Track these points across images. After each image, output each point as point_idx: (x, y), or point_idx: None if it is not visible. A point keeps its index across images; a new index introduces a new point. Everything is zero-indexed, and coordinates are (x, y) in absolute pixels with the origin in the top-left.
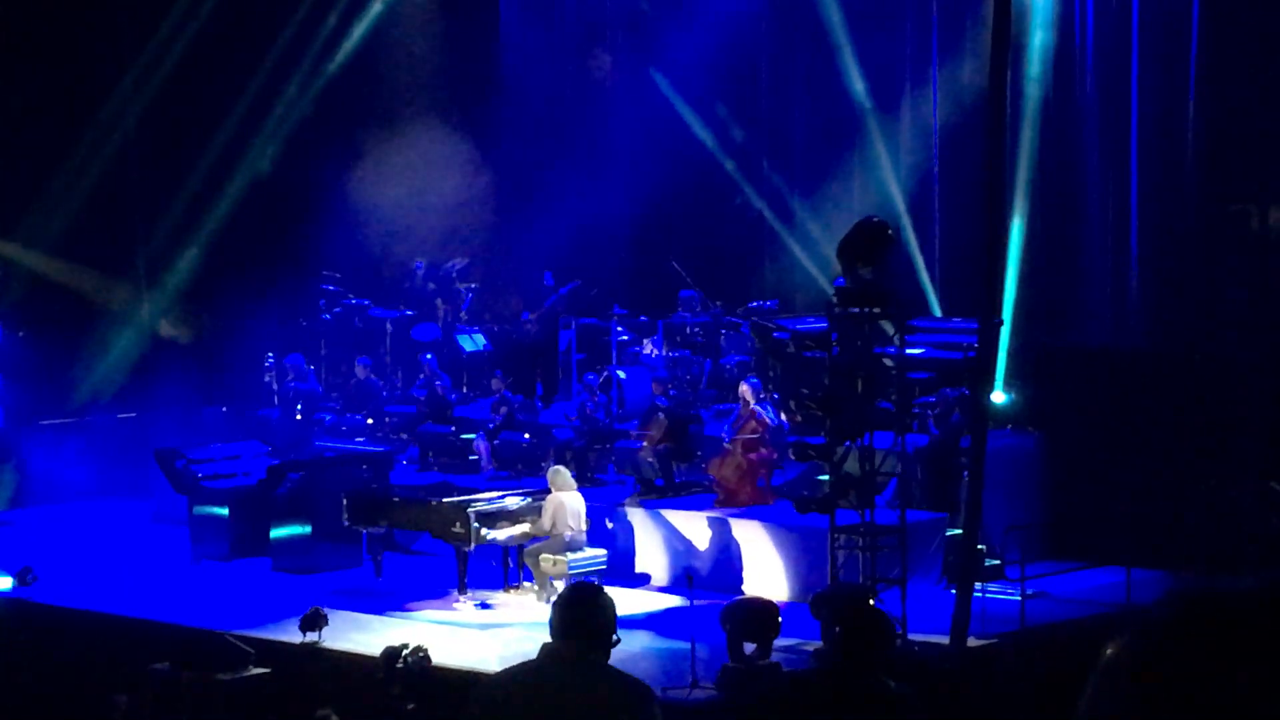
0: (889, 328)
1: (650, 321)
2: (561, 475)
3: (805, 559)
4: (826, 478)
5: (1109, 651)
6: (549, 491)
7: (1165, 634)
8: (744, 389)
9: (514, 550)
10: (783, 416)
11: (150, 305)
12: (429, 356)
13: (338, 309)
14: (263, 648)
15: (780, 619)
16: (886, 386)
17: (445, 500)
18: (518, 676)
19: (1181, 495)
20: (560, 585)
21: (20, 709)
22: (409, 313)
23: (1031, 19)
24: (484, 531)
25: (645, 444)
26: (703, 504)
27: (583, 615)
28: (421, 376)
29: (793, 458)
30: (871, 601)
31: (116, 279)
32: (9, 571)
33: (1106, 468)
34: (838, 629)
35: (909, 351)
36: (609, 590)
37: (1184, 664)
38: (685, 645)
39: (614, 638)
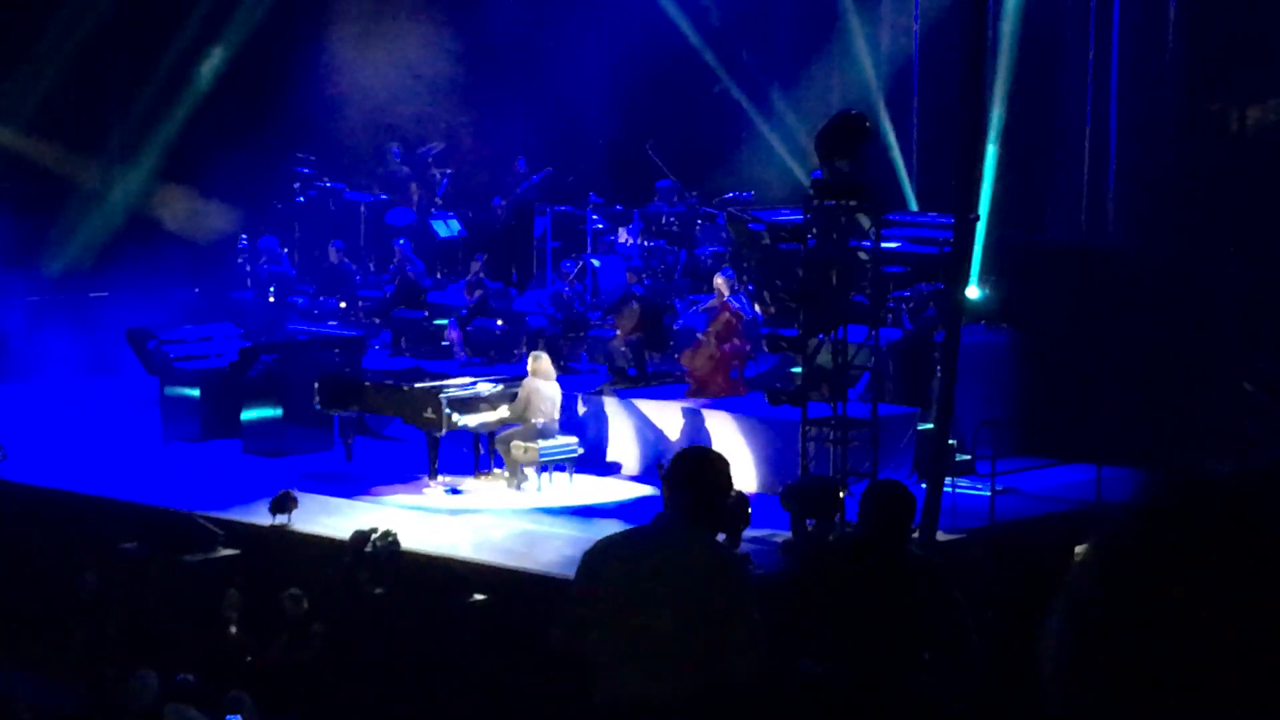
0: (865, 221)
1: (626, 210)
2: (542, 362)
3: (776, 451)
4: (799, 370)
5: (1088, 547)
6: (522, 378)
7: (1153, 522)
8: (718, 280)
9: (485, 437)
10: (756, 308)
11: (123, 184)
12: (402, 241)
13: (312, 192)
14: (232, 529)
15: (842, 496)
16: (861, 280)
17: (417, 385)
18: (623, 538)
19: (1154, 394)
20: (531, 472)
21: None
22: (383, 197)
23: None
24: (455, 417)
25: (619, 333)
26: (675, 394)
27: (694, 480)
28: (394, 261)
29: (766, 349)
30: (895, 489)
31: (89, 156)
32: None
33: (1079, 365)
34: (872, 504)
35: (884, 245)
36: (583, 478)
37: (1175, 553)
38: None
39: (732, 495)
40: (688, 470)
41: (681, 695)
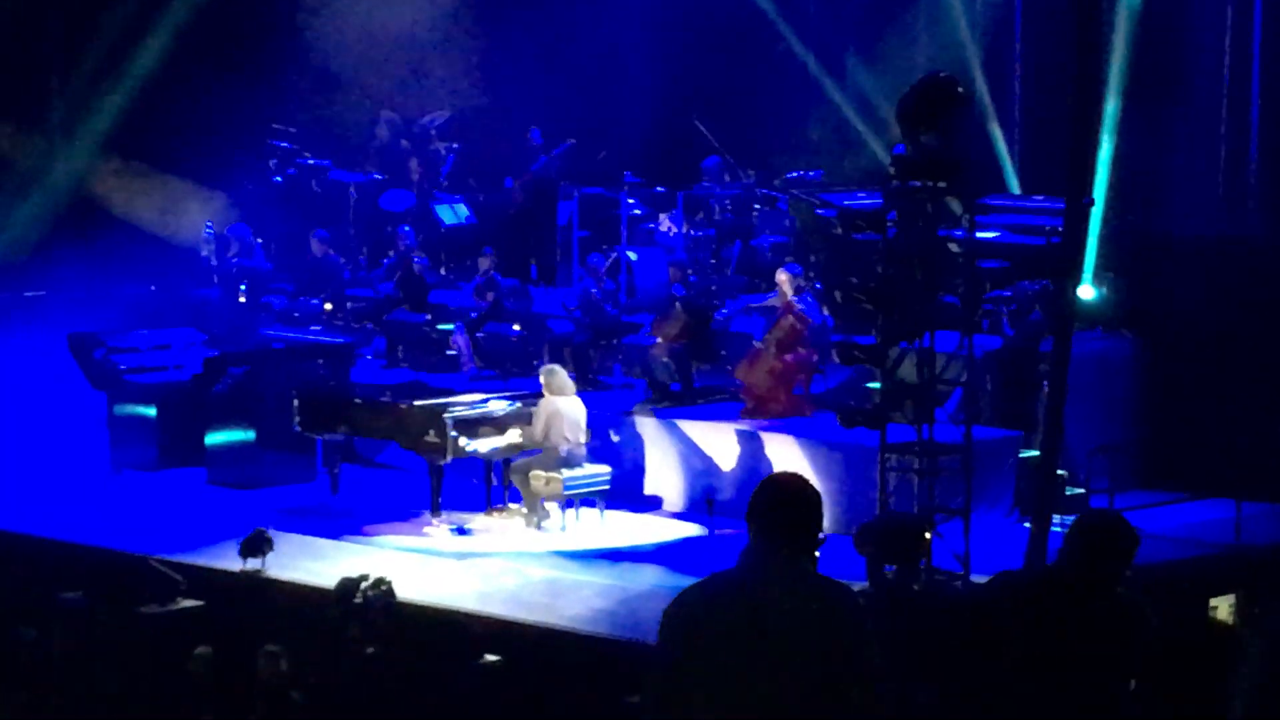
0: (956, 206)
1: (668, 193)
2: (557, 376)
3: (850, 482)
4: (877, 385)
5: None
6: (541, 395)
7: None
8: (780, 277)
9: (498, 465)
10: (825, 311)
11: (66, 162)
12: (406, 229)
13: (291, 170)
14: (195, 576)
15: (928, 537)
16: (952, 277)
17: (417, 404)
18: (716, 586)
19: None
20: (553, 508)
21: None
22: (377, 176)
23: None
24: (463, 442)
25: (659, 341)
26: (727, 414)
27: (791, 510)
28: (392, 253)
29: (837, 360)
30: (1113, 523)
31: (27, 132)
32: None
33: (1214, 380)
34: (1076, 534)
35: (980, 235)
36: (616, 515)
37: None
38: None
39: (822, 536)
40: (785, 497)
41: None
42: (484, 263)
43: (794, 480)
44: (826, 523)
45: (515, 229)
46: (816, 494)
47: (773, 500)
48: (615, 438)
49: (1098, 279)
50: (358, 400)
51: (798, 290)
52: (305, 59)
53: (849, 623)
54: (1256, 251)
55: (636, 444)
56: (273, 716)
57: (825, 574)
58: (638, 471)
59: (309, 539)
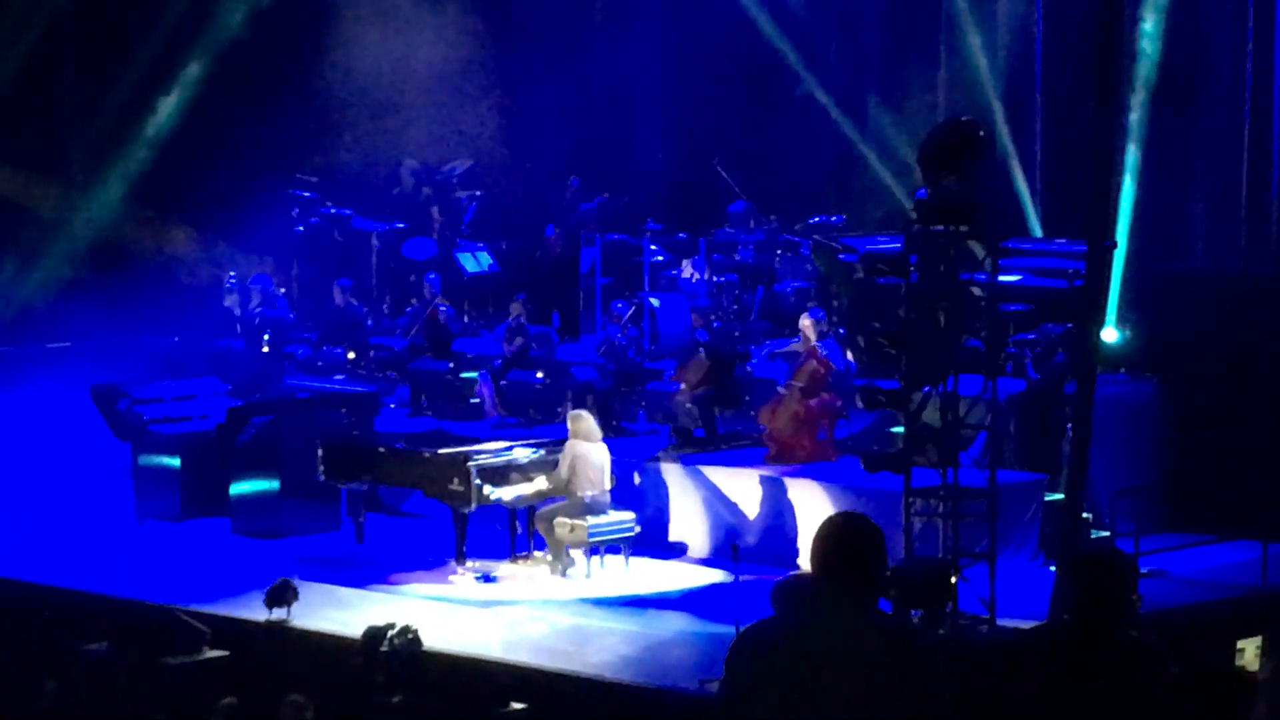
0: (978, 249)
1: (690, 239)
2: (584, 421)
3: None
4: (900, 430)
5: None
6: (566, 441)
7: None
8: (803, 322)
9: (523, 513)
10: (849, 355)
11: (85, 212)
12: (432, 276)
13: (314, 219)
14: (220, 626)
15: (954, 581)
16: (975, 320)
17: (441, 452)
18: (780, 626)
19: None
20: (578, 555)
21: None
22: (399, 225)
23: None
24: (487, 490)
25: (683, 387)
26: (751, 459)
27: (854, 550)
28: (416, 301)
29: (860, 405)
30: (1104, 555)
31: (46, 181)
32: None
33: (1239, 421)
34: (1076, 580)
35: (1002, 278)
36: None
37: None
38: (729, 630)
39: (887, 572)
40: (847, 537)
41: None
42: (515, 308)
43: (855, 519)
44: None
45: (542, 277)
46: (878, 532)
47: (834, 539)
48: (638, 482)
49: (1121, 321)
50: (382, 449)
51: (821, 335)
52: (325, 108)
53: (922, 667)
54: (1278, 291)
55: (661, 490)
56: None
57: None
58: (662, 518)
59: (334, 588)
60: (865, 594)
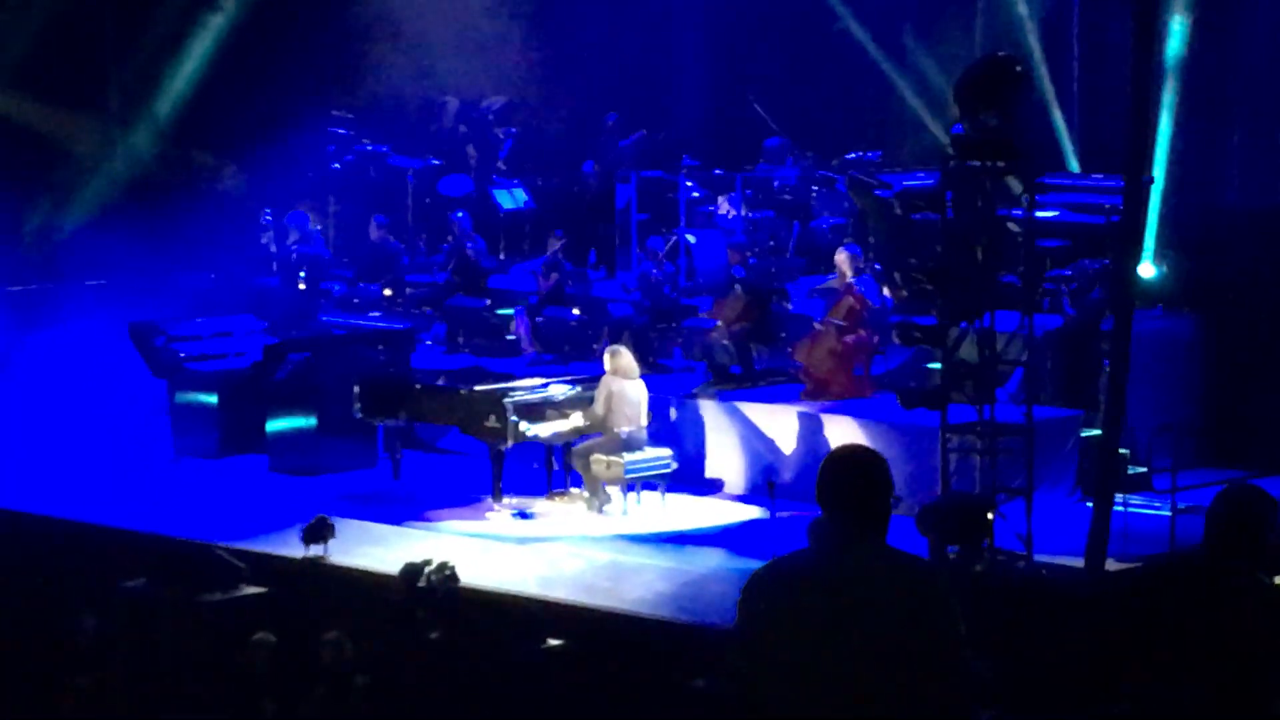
0: (1016, 185)
1: (726, 175)
2: (621, 357)
3: (911, 463)
4: (937, 366)
5: None
6: (603, 377)
7: None
8: (840, 258)
9: (559, 449)
10: (885, 291)
11: (124, 148)
12: (460, 214)
13: (349, 156)
14: (257, 563)
15: (991, 518)
16: (1012, 257)
17: (477, 388)
18: (791, 565)
19: None
20: (615, 492)
21: None
22: (435, 161)
23: None
24: (524, 426)
25: (719, 323)
26: (788, 396)
27: (858, 483)
28: (450, 239)
29: (897, 341)
30: (1244, 492)
31: (82, 115)
32: None
33: (1276, 356)
34: (1210, 515)
35: (1040, 214)
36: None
37: None
38: None
39: (895, 498)
40: (850, 471)
41: None
42: (553, 244)
43: (857, 452)
44: None
45: (578, 214)
46: (882, 462)
47: (838, 475)
48: (675, 417)
49: (1158, 257)
50: (418, 386)
51: (857, 271)
52: (359, 43)
53: (934, 596)
54: None
55: (697, 427)
56: (334, 701)
57: (900, 549)
58: (699, 455)
59: (371, 525)
60: (870, 527)
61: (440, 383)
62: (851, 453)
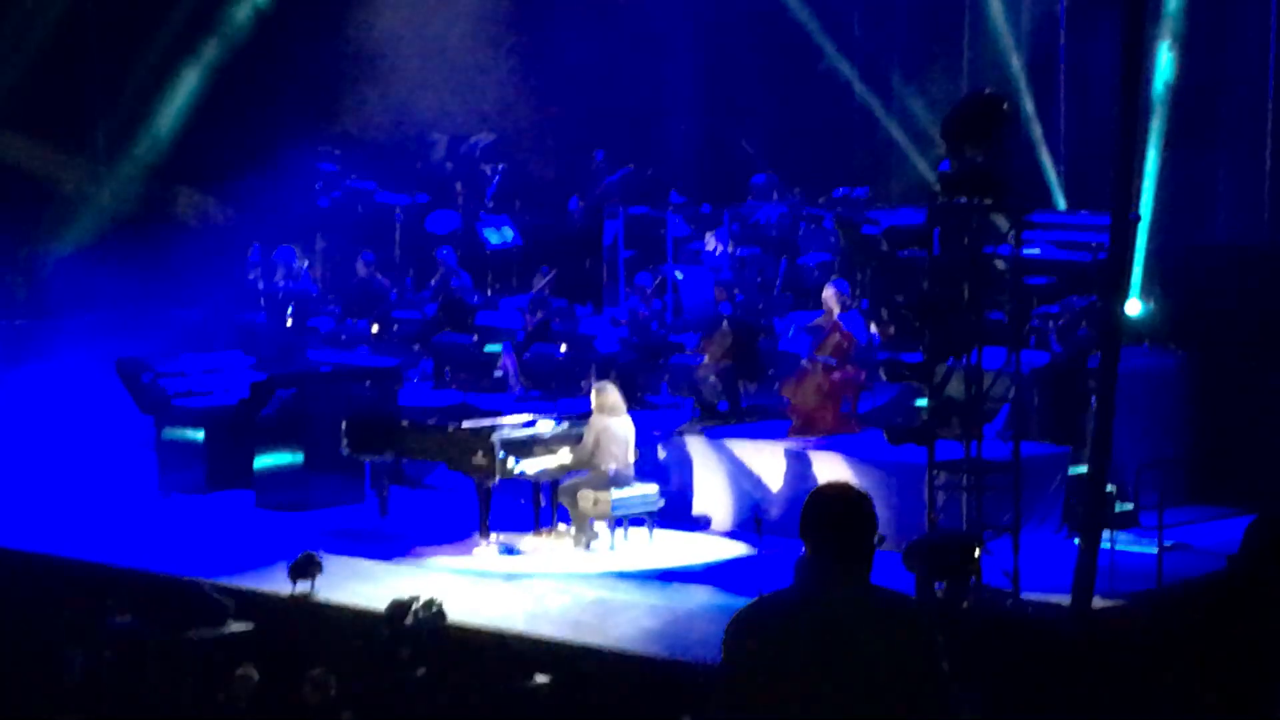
0: (1002, 222)
1: (714, 212)
2: (607, 394)
3: (898, 500)
4: (924, 403)
5: None
6: (590, 414)
7: None
8: (827, 294)
9: (547, 486)
10: (873, 328)
11: (110, 186)
12: (445, 251)
13: (337, 193)
14: (244, 599)
15: (978, 554)
16: (998, 293)
17: (465, 425)
18: (775, 603)
19: None
20: (602, 528)
21: None
22: (423, 198)
23: None
24: (511, 463)
25: (706, 360)
26: (775, 432)
27: (841, 520)
28: (437, 275)
29: (884, 378)
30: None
31: (71, 155)
32: None
33: (1264, 394)
34: (1255, 535)
35: (1026, 251)
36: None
37: None
38: None
39: (877, 538)
40: (834, 508)
41: None
42: (539, 280)
43: (841, 490)
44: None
45: (565, 251)
46: (865, 500)
47: (822, 512)
48: (662, 455)
49: (1144, 294)
50: (405, 422)
51: (844, 308)
52: (346, 80)
53: (918, 634)
54: None
55: (684, 464)
56: None
57: (883, 585)
58: (686, 491)
59: (358, 561)
60: (854, 564)
61: (428, 420)
62: (835, 490)
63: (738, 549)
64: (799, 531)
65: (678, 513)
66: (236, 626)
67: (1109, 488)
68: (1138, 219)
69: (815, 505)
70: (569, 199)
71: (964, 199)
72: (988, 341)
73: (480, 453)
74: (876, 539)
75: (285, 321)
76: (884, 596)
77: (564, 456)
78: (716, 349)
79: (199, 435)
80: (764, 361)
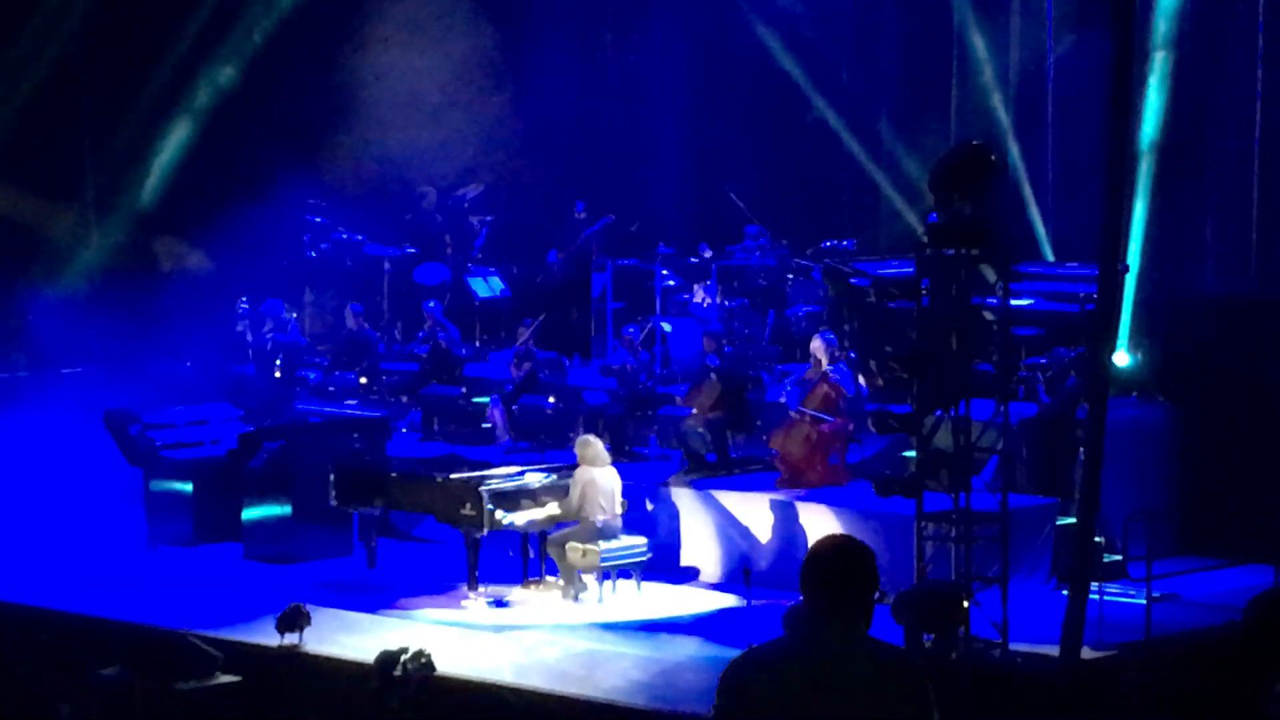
0: (990, 273)
1: (702, 264)
2: (591, 447)
3: (887, 551)
4: (913, 454)
5: None
6: (577, 467)
7: None
8: (815, 346)
9: (535, 538)
10: (861, 379)
11: (100, 238)
12: (432, 304)
13: (325, 245)
14: (232, 651)
15: (966, 606)
16: (987, 344)
17: (453, 476)
18: (772, 653)
19: None
20: (590, 580)
21: None
22: (411, 250)
23: None
24: (499, 514)
25: (694, 411)
26: (763, 484)
27: (843, 573)
28: (425, 327)
29: (872, 429)
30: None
31: (60, 206)
32: None
33: (1251, 444)
34: (1249, 615)
35: (1014, 302)
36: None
37: None
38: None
39: (877, 594)
40: (837, 561)
41: None
42: (523, 333)
43: (844, 542)
44: None
45: (553, 302)
46: (868, 554)
47: (824, 564)
48: (650, 506)
49: (1133, 345)
50: (394, 474)
51: (833, 359)
52: (333, 132)
53: (909, 686)
54: None
55: (673, 515)
56: None
57: (879, 639)
58: (674, 543)
59: (346, 613)
60: (852, 617)
61: (416, 471)
62: (841, 543)
63: (726, 600)
64: (799, 582)
65: (666, 564)
66: (225, 678)
67: (1097, 538)
68: (1126, 269)
69: (818, 556)
70: (548, 251)
71: (952, 250)
72: (976, 393)
73: (468, 504)
74: (877, 594)
75: (274, 373)
76: (876, 647)
77: (552, 508)
78: (705, 400)
79: (187, 487)
80: (752, 413)
